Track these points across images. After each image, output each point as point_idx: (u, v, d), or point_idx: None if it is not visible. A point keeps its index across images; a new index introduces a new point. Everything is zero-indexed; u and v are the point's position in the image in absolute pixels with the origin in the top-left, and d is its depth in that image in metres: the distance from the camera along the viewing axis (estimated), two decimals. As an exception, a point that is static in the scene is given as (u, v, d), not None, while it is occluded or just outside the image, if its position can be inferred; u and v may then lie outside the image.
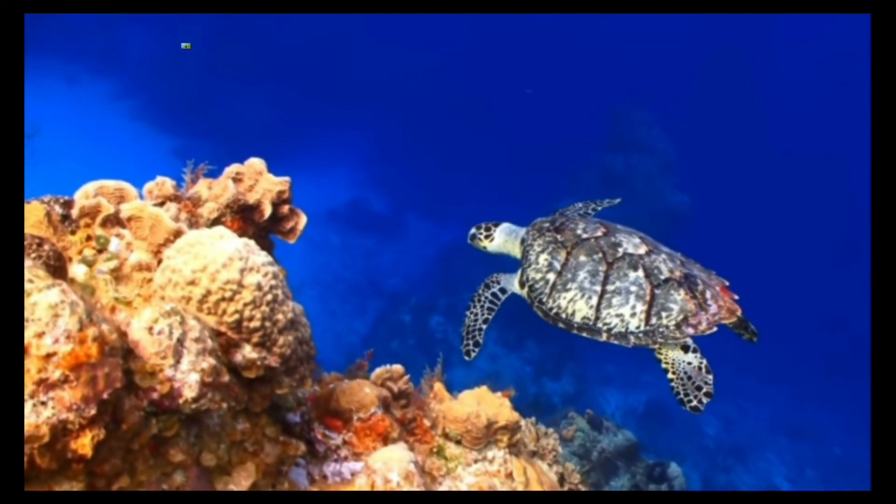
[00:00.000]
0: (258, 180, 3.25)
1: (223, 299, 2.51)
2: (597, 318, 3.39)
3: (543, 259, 3.57)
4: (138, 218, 2.89)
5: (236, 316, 2.33)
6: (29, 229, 2.83)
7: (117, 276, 2.79)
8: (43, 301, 1.70)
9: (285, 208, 3.27)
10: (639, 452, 10.41)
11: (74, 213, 2.97)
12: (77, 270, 2.74)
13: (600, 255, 3.46)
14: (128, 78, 23.94)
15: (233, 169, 3.24)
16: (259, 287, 2.52)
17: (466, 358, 3.92)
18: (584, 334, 3.46)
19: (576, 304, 3.42)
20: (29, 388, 1.59)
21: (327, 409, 2.81)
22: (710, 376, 3.48)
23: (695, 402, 3.49)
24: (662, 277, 3.41)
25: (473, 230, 4.12)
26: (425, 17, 23.21)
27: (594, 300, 3.39)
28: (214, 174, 3.30)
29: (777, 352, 19.39)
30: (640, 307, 3.36)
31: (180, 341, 2.13)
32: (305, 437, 2.56)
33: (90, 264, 2.78)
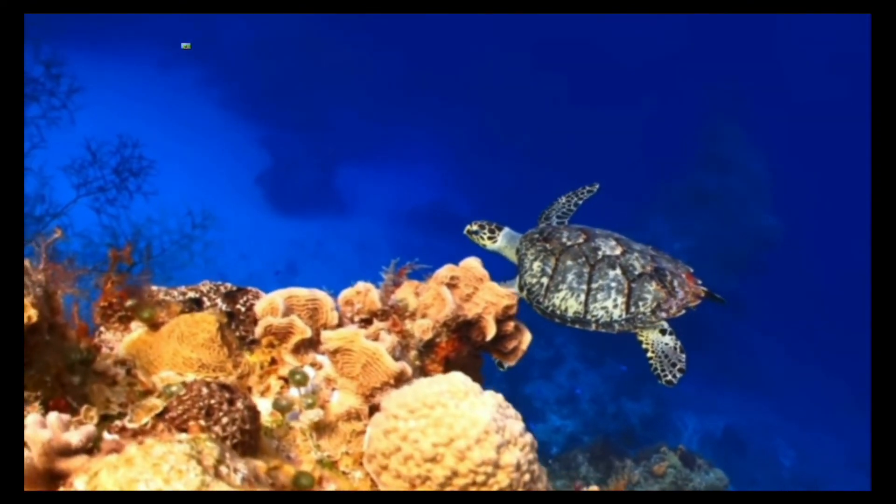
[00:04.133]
0: (478, 289, 2.56)
1: (473, 483, 1.82)
2: (586, 312, 3.84)
3: (537, 266, 4.00)
4: (347, 351, 2.21)
5: None
6: (197, 349, 2.18)
7: (318, 424, 2.11)
8: None
9: (510, 325, 2.58)
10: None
11: (258, 331, 2.31)
12: (260, 405, 2.07)
13: (584, 258, 3.91)
14: (220, 65, 23.60)
15: (446, 272, 2.54)
16: (518, 467, 1.87)
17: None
18: (577, 326, 3.89)
19: (567, 302, 3.88)
20: None
21: None
22: (684, 355, 3.83)
23: (669, 377, 3.81)
24: (637, 273, 3.87)
25: (476, 227, 4.40)
26: (522, 17, 22.44)
27: (582, 297, 3.85)
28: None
29: (861, 386, 18.19)
30: (621, 299, 3.82)
31: None
32: None
33: (284, 410, 2.10)
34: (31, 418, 1.74)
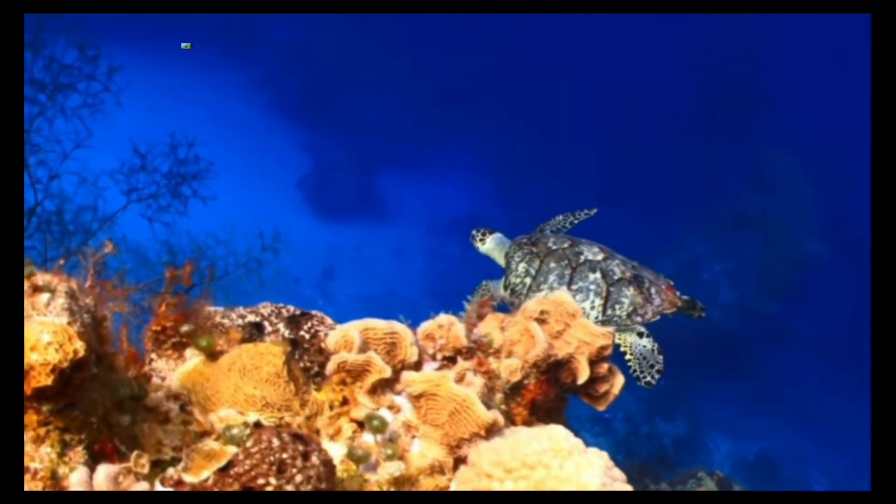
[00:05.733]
0: (570, 325, 2.23)
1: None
2: None
3: (521, 267, 4.08)
4: (433, 396, 1.89)
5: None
6: (261, 385, 1.88)
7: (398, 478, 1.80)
8: None
9: (603, 367, 2.26)
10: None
11: (330, 367, 2.01)
12: (331, 450, 1.76)
13: (566, 261, 4.00)
14: (264, 69, 23.50)
15: (535, 306, 2.22)
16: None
17: None
18: None
19: None
20: None
21: None
22: (661, 356, 3.84)
23: (648, 378, 3.80)
24: (616, 277, 3.94)
25: (474, 231, 4.54)
26: (566, 30, 22.12)
27: None
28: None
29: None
30: (598, 301, 3.88)
31: None
32: None
33: (359, 460, 1.79)
34: (77, 475, 1.46)
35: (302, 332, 2.30)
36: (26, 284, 1.49)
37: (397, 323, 2.05)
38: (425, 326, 2.14)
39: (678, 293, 3.96)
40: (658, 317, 3.89)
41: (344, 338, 1.98)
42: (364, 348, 1.97)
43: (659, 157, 21.67)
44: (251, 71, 23.55)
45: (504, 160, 22.81)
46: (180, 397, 1.85)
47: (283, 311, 2.37)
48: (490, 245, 4.43)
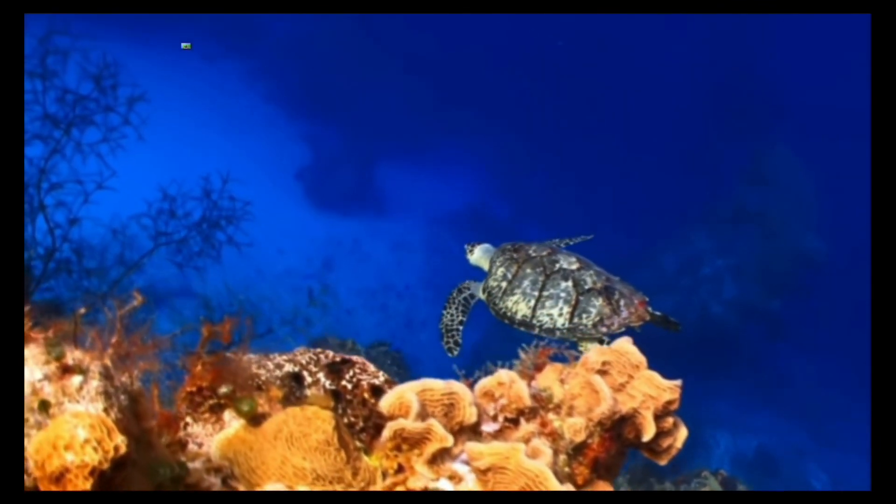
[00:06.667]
0: (633, 377, 2.05)
1: None
2: (532, 317, 4.00)
3: (500, 271, 4.19)
4: (501, 470, 1.70)
5: None
6: (310, 454, 1.68)
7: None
8: None
9: (668, 422, 2.08)
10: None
11: (385, 434, 1.81)
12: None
13: (541, 268, 4.08)
14: (265, 60, 23.19)
15: (597, 357, 2.04)
16: None
17: (449, 355, 4.32)
18: (523, 329, 4.02)
19: (518, 305, 4.05)
20: None
21: None
22: None
23: None
24: (586, 287, 4.00)
25: (466, 245, 4.63)
26: (565, 24, 21.84)
27: (532, 302, 4.02)
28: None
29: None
30: (567, 309, 3.95)
31: None
32: None
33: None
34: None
35: (344, 382, 2.11)
36: (55, 366, 1.29)
37: (455, 383, 1.86)
38: (484, 384, 1.95)
39: (650, 309, 4.00)
40: (623, 328, 3.92)
41: (399, 401, 1.79)
42: (423, 412, 1.77)
43: (661, 151, 21.48)
44: (250, 62, 23.25)
45: (505, 153, 22.58)
46: (222, 469, 1.66)
47: (322, 357, 2.17)
48: (477, 254, 4.55)
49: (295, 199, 19.91)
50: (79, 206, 6.22)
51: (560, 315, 3.95)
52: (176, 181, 7.39)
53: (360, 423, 2.00)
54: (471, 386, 2.03)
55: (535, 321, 4.02)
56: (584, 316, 3.94)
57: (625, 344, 2.11)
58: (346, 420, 1.98)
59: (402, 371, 9.21)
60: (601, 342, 3.89)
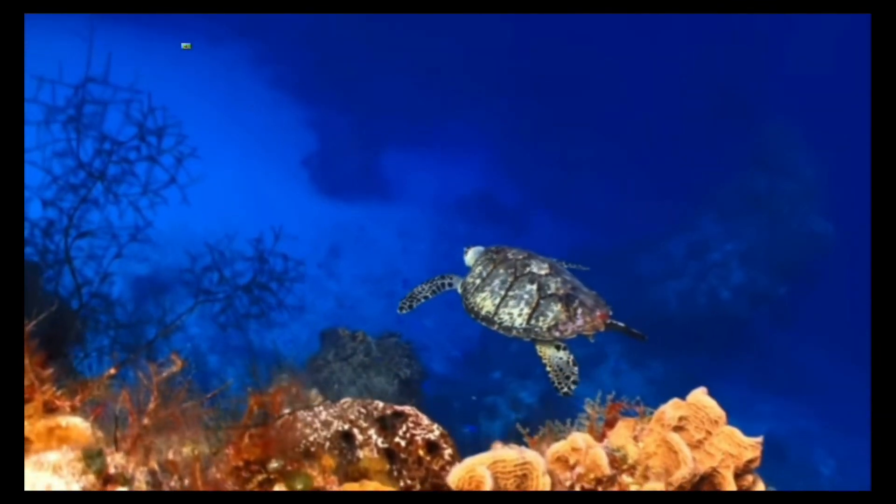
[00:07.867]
0: (711, 433, 1.86)
1: None
2: (495, 314, 4.14)
3: (478, 269, 4.33)
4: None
5: None
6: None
7: None
8: None
9: (748, 480, 1.89)
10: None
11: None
12: None
13: (513, 270, 4.21)
14: (270, 44, 22.84)
15: (673, 412, 1.85)
16: None
17: (398, 312, 4.52)
18: (484, 324, 4.16)
19: (485, 302, 4.19)
20: None
21: None
22: (576, 368, 4.01)
23: (566, 389, 3.97)
24: (549, 292, 4.10)
25: (465, 248, 4.74)
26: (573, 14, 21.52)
27: (497, 300, 4.16)
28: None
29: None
30: (526, 310, 4.06)
31: None
32: None
33: None
34: None
35: (397, 440, 1.92)
36: (94, 478, 1.10)
37: (528, 451, 1.67)
38: (556, 449, 1.76)
39: (613, 321, 4.08)
40: (575, 335, 4.03)
41: (469, 475, 1.60)
42: (495, 487, 1.58)
43: (669, 137, 21.22)
44: (257, 45, 22.90)
45: (511, 140, 22.31)
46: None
47: (372, 410, 1.97)
48: (470, 255, 4.68)
49: (301, 184, 19.67)
50: (109, 261, 5.86)
51: (519, 315, 4.08)
52: (228, 236, 7.13)
53: (417, 486, 1.81)
54: (536, 445, 1.84)
55: (496, 318, 4.17)
56: (541, 319, 4.06)
57: (702, 397, 1.92)
58: (402, 484, 1.79)
59: (414, 363, 9.05)
60: (558, 348, 4.08)
